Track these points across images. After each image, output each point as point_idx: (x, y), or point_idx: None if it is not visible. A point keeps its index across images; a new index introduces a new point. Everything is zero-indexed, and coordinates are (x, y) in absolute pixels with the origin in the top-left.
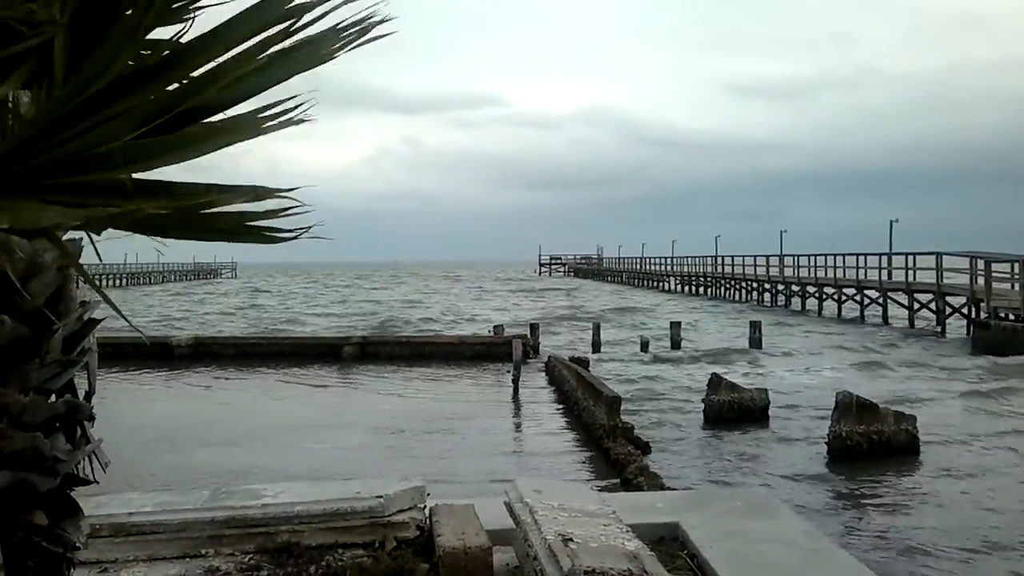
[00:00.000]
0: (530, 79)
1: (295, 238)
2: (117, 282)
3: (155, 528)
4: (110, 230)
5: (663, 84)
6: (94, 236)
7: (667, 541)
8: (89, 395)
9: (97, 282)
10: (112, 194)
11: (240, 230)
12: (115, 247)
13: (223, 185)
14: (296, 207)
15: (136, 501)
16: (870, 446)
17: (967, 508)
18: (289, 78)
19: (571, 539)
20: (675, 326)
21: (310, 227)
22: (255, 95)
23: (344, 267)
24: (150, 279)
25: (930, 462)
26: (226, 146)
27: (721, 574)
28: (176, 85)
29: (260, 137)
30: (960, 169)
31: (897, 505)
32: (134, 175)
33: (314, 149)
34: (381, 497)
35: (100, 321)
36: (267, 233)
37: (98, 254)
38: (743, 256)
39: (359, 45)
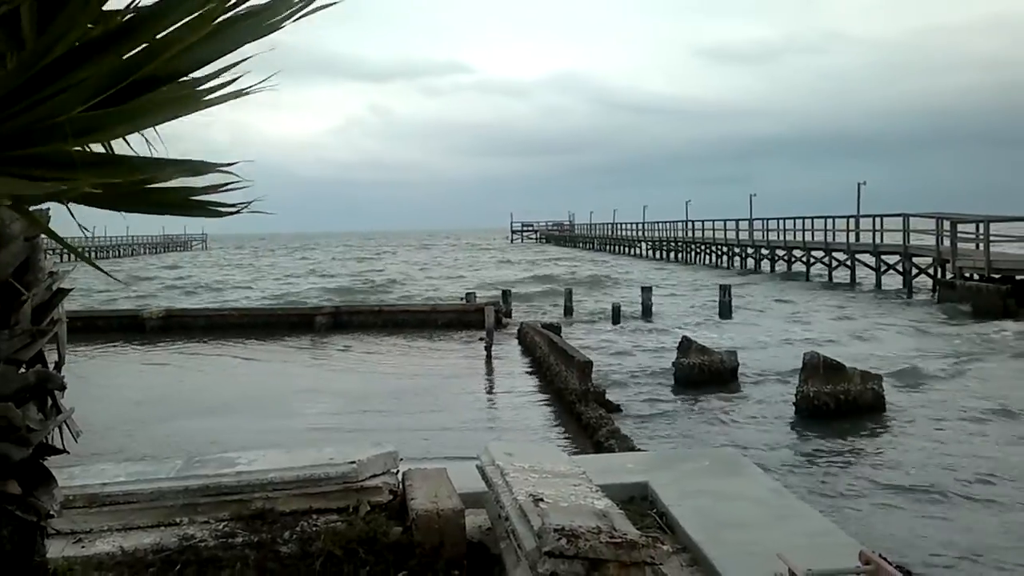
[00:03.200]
0: (496, 45)
1: (237, 212)
2: (91, 254)
3: (129, 498)
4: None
5: (632, 50)
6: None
7: (637, 500)
8: (59, 365)
9: (62, 255)
10: (62, 166)
11: (186, 204)
12: (82, 219)
13: (165, 159)
14: (234, 182)
15: (109, 471)
16: (837, 405)
17: (930, 463)
18: (239, 47)
19: (542, 499)
20: (646, 291)
21: (251, 202)
22: (206, 64)
23: (314, 238)
24: (119, 252)
25: (895, 420)
26: (177, 116)
27: (689, 531)
28: (126, 56)
29: (222, 106)
30: (933, 132)
31: (861, 462)
32: (89, 146)
33: (281, 119)
34: (354, 463)
35: (69, 291)
36: (212, 207)
37: (81, 226)
38: (713, 220)
39: (308, 13)
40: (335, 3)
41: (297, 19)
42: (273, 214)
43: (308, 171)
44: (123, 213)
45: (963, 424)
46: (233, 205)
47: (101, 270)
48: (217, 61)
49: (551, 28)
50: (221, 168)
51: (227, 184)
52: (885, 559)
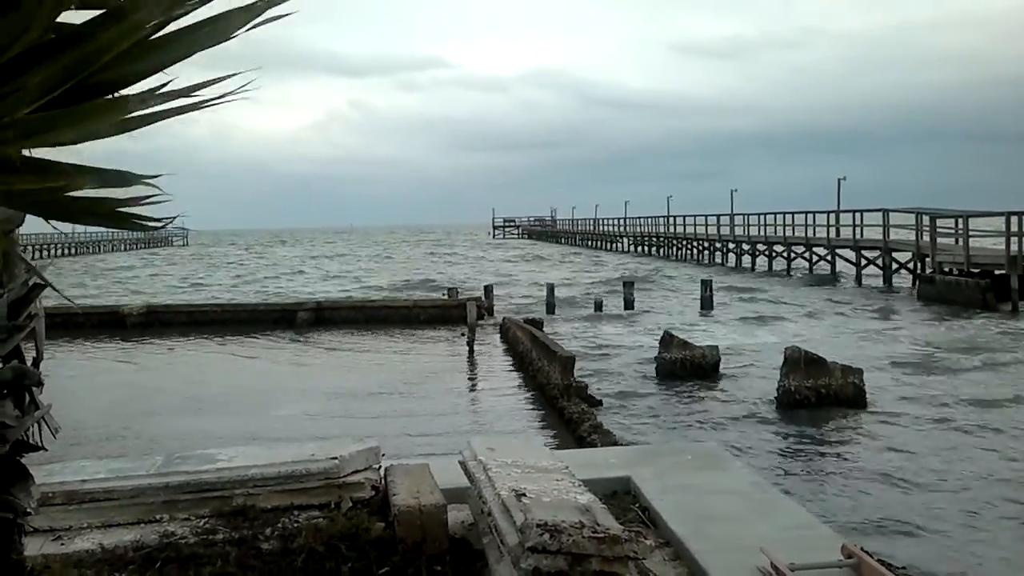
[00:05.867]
0: (474, 40)
1: (163, 227)
2: (65, 251)
3: (109, 495)
4: None
5: (609, 45)
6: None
7: (619, 495)
8: (37, 361)
9: (43, 251)
10: (3, 169)
11: (114, 216)
12: None
13: (91, 168)
14: (155, 195)
15: (89, 468)
16: (818, 399)
17: (910, 456)
18: (190, 55)
19: (524, 494)
20: (628, 286)
21: (175, 217)
22: (161, 70)
23: (297, 233)
24: (99, 248)
25: (876, 413)
26: (126, 120)
27: (672, 525)
28: (74, 60)
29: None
30: (910, 127)
31: (843, 455)
32: (32, 152)
33: (261, 115)
34: (336, 458)
35: (46, 286)
36: (136, 221)
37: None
38: (695, 216)
39: (264, 23)
40: (290, 13)
41: (250, 28)
42: (191, 230)
43: (288, 167)
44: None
45: (941, 416)
46: (159, 219)
47: (51, 285)
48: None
49: (528, 23)
50: (144, 180)
51: (148, 197)
52: (867, 552)
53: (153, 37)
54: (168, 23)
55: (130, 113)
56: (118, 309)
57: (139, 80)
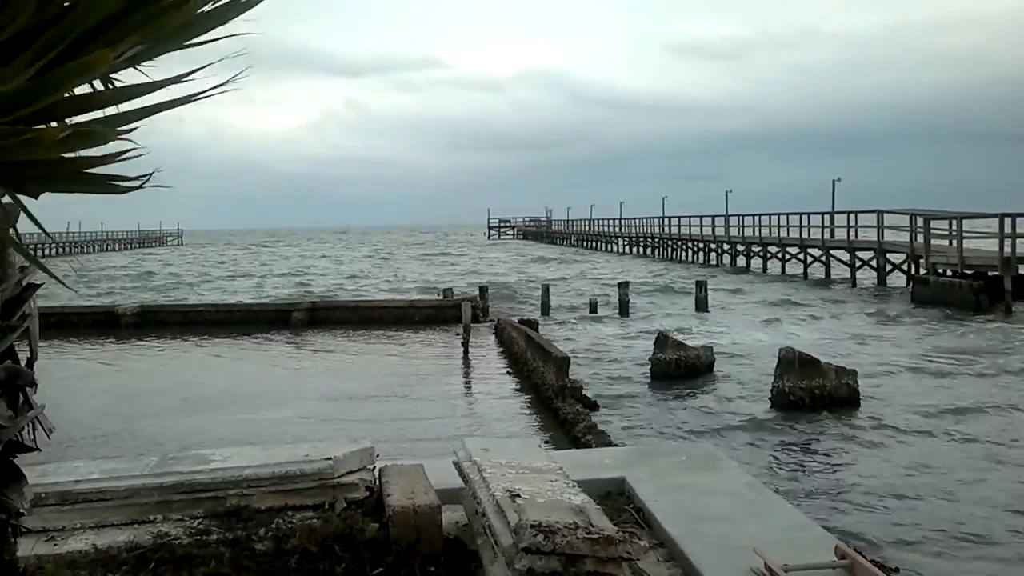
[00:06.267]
0: (470, 40)
1: (139, 187)
2: (60, 250)
3: (102, 495)
4: (49, 196)
5: (604, 45)
6: (30, 201)
7: (613, 496)
8: (31, 361)
9: (37, 250)
10: None
11: (82, 178)
12: (57, 215)
13: (44, 126)
14: (132, 149)
15: (83, 468)
16: (812, 400)
17: (903, 457)
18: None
19: (518, 495)
20: (623, 287)
21: (151, 174)
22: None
23: (296, 233)
24: (93, 247)
25: (870, 414)
26: (126, 118)
27: (666, 526)
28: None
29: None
30: (906, 128)
31: (836, 456)
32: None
33: (255, 114)
34: (330, 459)
35: (39, 286)
36: (109, 182)
37: (31, 217)
38: (690, 217)
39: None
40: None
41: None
42: (171, 188)
43: (284, 166)
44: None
45: (934, 418)
46: (135, 178)
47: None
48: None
49: (524, 23)
50: (120, 134)
51: (126, 152)
52: (861, 553)
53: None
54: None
55: (105, 67)
56: (112, 309)
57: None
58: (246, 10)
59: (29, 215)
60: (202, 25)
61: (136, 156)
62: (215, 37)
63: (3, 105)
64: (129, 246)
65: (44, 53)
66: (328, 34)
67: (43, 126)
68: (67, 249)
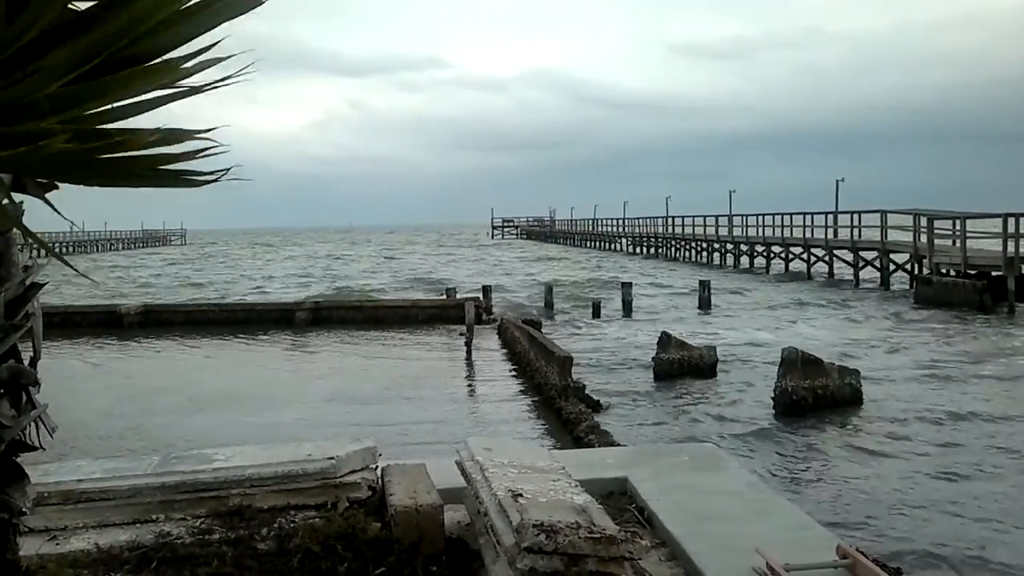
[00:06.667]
0: (472, 40)
1: (215, 180)
2: (64, 250)
3: (105, 495)
4: (55, 193)
5: (607, 45)
6: (39, 198)
7: (616, 495)
8: (34, 360)
9: (37, 251)
10: (38, 138)
11: (159, 174)
12: (57, 214)
13: (138, 128)
14: (211, 147)
15: (85, 468)
16: (815, 400)
17: (906, 457)
18: (216, 26)
19: (521, 494)
20: (626, 287)
21: (228, 169)
22: (180, 45)
23: (297, 233)
24: (97, 247)
25: (873, 414)
26: (150, 90)
27: (668, 525)
28: (99, 37)
29: (201, 100)
30: (910, 128)
31: (839, 455)
32: (64, 124)
33: (258, 114)
34: (333, 458)
35: (43, 285)
36: (185, 177)
37: (59, 212)
38: (693, 217)
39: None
40: None
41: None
42: (250, 180)
43: (287, 166)
44: (97, 188)
45: (935, 418)
46: (209, 173)
47: (73, 268)
48: (193, 44)
49: (526, 23)
50: (198, 135)
51: (204, 150)
52: (862, 553)
53: (182, 8)
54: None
55: (151, 86)
56: (115, 308)
57: (162, 54)
58: (252, 8)
59: (54, 209)
60: (207, 23)
61: (217, 153)
62: (221, 36)
63: (53, 104)
64: (133, 245)
65: (85, 56)
66: (331, 34)
67: (135, 128)
68: (72, 248)
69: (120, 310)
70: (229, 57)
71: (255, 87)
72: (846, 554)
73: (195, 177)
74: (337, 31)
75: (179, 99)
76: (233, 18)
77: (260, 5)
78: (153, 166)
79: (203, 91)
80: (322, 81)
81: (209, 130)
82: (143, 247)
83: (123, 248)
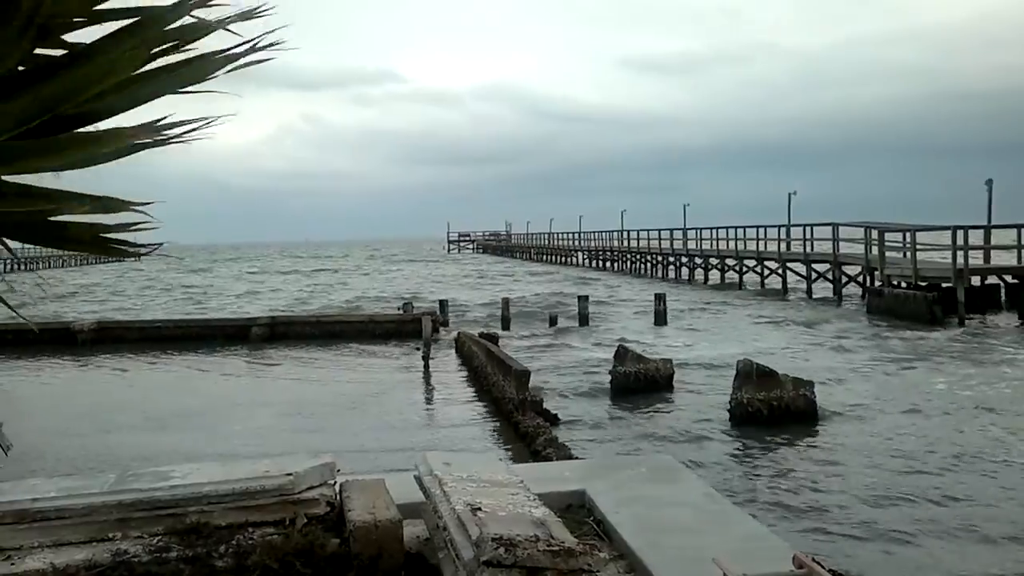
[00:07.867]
0: (426, 55)
1: (147, 254)
2: (32, 266)
3: (60, 513)
4: None
5: (559, 59)
6: None
7: (574, 508)
8: None
9: (5, 265)
10: None
11: (96, 242)
12: None
13: (81, 193)
14: (146, 223)
15: (40, 486)
16: (770, 411)
17: (860, 467)
18: (170, 93)
19: (480, 508)
20: (582, 300)
21: (159, 245)
22: (134, 107)
23: (252, 248)
24: (49, 263)
25: (827, 425)
26: (101, 158)
27: (626, 538)
28: (50, 93)
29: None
30: (856, 141)
31: (794, 466)
32: (3, 177)
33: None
34: (291, 475)
35: None
36: (115, 247)
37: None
38: (648, 230)
39: (243, 66)
40: (270, 59)
41: (230, 71)
42: (181, 259)
43: (242, 181)
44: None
45: (889, 428)
46: (143, 245)
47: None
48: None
49: (479, 38)
50: (135, 207)
51: (138, 224)
52: (819, 563)
53: (134, 73)
54: (146, 63)
55: (105, 147)
56: (69, 325)
57: (114, 115)
58: (213, 76)
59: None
60: (166, 88)
61: (150, 228)
62: (203, 79)
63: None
64: (84, 261)
65: (38, 111)
66: (283, 47)
67: (75, 192)
68: (23, 265)
69: (73, 327)
70: (182, 122)
71: (212, 102)
72: (802, 563)
73: (127, 248)
74: (290, 45)
75: (153, 147)
76: (196, 83)
77: (223, 71)
78: (89, 235)
79: (140, 148)
80: (275, 96)
81: (147, 204)
82: (97, 263)
83: (76, 264)
